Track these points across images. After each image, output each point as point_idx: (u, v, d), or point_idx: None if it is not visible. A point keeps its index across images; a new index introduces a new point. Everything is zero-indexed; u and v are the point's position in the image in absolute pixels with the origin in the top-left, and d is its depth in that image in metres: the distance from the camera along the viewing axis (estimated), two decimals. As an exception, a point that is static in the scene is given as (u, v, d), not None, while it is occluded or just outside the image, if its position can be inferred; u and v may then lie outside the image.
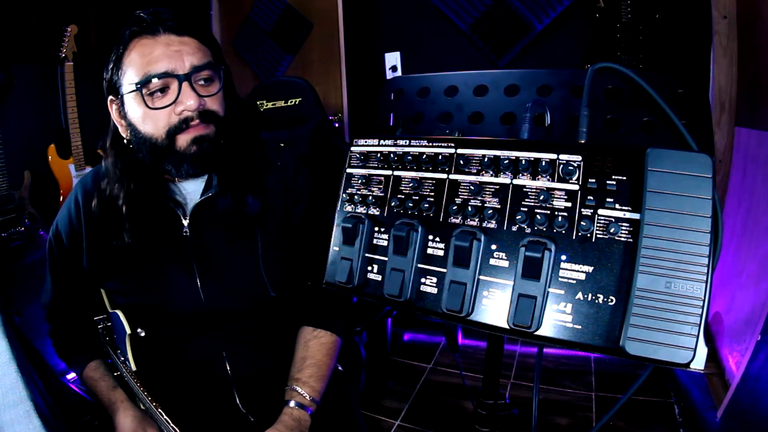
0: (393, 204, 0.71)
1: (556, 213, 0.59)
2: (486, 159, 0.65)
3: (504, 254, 0.61)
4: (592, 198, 0.58)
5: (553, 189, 0.60)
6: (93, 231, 0.97)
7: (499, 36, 2.32)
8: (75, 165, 2.11)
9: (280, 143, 1.09)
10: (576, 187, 0.59)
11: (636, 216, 0.55)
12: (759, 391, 1.19)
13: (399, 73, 2.61)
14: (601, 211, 0.57)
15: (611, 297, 0.54)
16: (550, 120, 0.76)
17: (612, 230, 0.55)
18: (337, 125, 2.69)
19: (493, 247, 0.62)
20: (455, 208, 0.65)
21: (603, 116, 0.75)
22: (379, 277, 0.70)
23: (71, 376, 1.62)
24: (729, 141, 1.84)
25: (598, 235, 0.56)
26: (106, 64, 0.90)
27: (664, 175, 0.53)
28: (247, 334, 0.99)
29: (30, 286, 1.84)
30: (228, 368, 0.97)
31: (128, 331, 0.97)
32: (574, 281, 0.56)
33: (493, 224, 0.63)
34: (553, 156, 0.61)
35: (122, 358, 1.00)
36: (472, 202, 0.65)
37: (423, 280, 0.66)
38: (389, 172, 0.73)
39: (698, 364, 0.50)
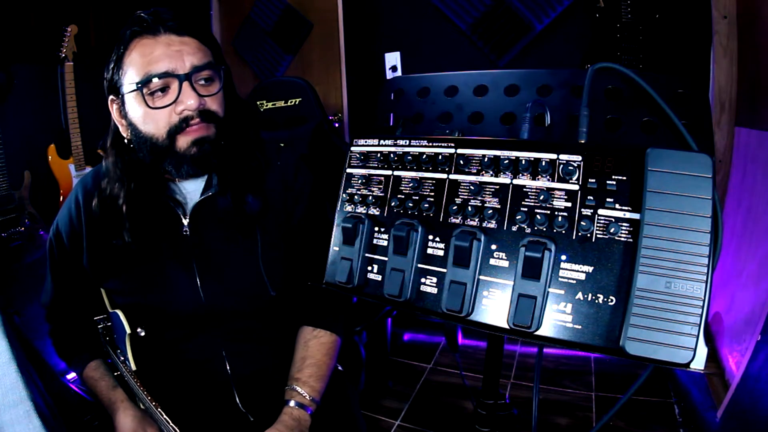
0: (393, 204, 0.71)
1: (556, 213, 0.59)
2: (486, 159, 0.65)
3: (504, 254, 0.61)
4: (592, 198, 0.58)
5: (553, 189, 0.60)
6: (93, 230, 0.97)
7: (499, 36, 2.32)
8: (75, 165, 2.11)
9: (280, 143, 1.09)
10: (576, 187, 0.59)
11: (636, 216, 0.55)
12: (759, 391, 1.19)
13: (399, 73, 2.61)
14: (601, 211, 0.57)
15: (611, 297, 0.54)
16: (550, 120, 0.76)
17: (612, 230, 0.55)
18: (337, 125, 2.69)
19: (493, 247, 0.62)
20: (455, 208, 0.65)
21: (603, 116, 0.75)
22: (379, 277, 0.70)
23: (71, 376, 1.62)
24: (729, 141, 1.84)
25: (598, 235, 0.56)
26: (107, 64, 0.90)
27: (664, 175, 0.53)
28: (247, 333, 0.99)
29: (30, 286, 1.84)
30: (228, 368, 0.97)
31: (128, 330, 0.97)
32: (574, 281, 0.56)
33: (493, 224, 0.63)
34: (553, 156, 0.61)
35: (122, 358, 1.00)
36: (472, 202, 0.65)
37: (423, 280, 0.66)
38: (389, 172, 0.73)
39: (698, 364, 0.50)
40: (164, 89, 0.86)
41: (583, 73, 0.70)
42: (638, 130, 0.73)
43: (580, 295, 0.56)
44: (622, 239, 0.55)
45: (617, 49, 2.00)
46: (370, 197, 0.73)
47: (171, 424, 0.91)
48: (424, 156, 0.70)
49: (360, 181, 0.75)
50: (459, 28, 2.41)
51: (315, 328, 1.03)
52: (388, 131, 0.90)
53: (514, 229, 0.61)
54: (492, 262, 0.62)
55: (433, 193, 0.68)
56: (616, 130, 0.74)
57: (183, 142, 0.88)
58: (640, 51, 1.97)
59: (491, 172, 0.65)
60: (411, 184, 0.70)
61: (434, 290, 0.65)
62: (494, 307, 0.61)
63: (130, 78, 0.86)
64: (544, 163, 0.61)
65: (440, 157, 0.69)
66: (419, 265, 0.67)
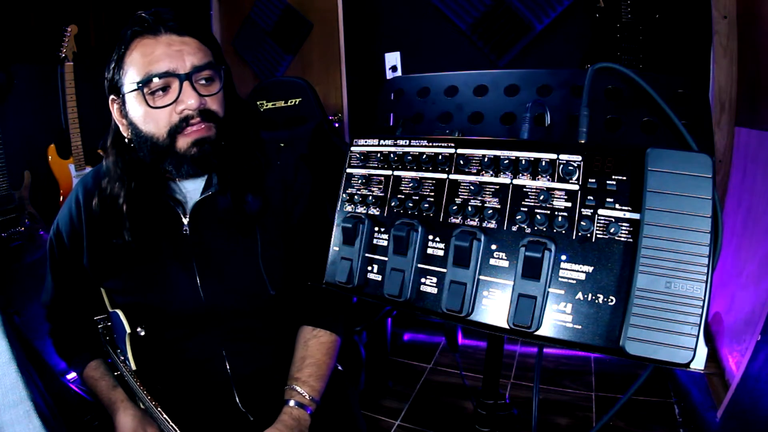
0: (393, 204, 0.71)
1: (556, 213, 0.59)
2: (486, 159, 0.65)
3: (504, 254, 0.61)
4: (592, 198, 0.58)
5: (553, 189, 0.60)
6: (93, 229, 0.97)
7: (499, 36, 2.32)
8: (75, 165, 2.10)
9: (280, 143, 1.09)
10: (576, 187, 0.59)
11: (636, 216, 0.55)
12: (759, 391, 1.19)
13: (399, 73, 2.61)
14: (601, 211, 0.57)
15: (611, 297, 0.54)
16: (550, 120, 0.76)
17: (612, 230, 0.55)
18: (337, 125, 2.69)
19: (493, 247, 0.62)
20: (455, 208, 0.65)
21: (603, 116, 0.75)
22: (379, 277, 0.70)
23: (71, 376, 1.62)
24: (729, 141, 1.84)
25: (598, 235, 0.56)
26: (108, 64, 0.90)
27: (664, 175, 0.53)
28: (246, 333, 0.99)
29: (30, 285, 1.84)
30: (228, 367, 0.97)
31: (128, 330, 0.97)
32: (574, 281, 0.56)
33: (493, 224, 0.63)
34: (553, 156, 0.61)
35: (122, 358, 1.00)
36: (472, 202, 0.65)
37: (423, 280, 0.66)
38: (389, 172, 0.73)
39: (698, 364, 0.50)
40: (165, 89, 0.86)
41: (583, 73, 0.70)
42: (638, 130, 0.73)
43: (580, 295, 0.56)
44: (622, 239, 0.55)
45: (617, 49, 2.00)
46: (370, 197, 0.73)
47: (171, 423, 0.91)
48: (424, 156, 0.70)
49: (360, 181, 0.75)
50: (459, 28, 2.41)
51: (315, 327, 1.03)
52: (388, 131, 0.90)
53: (514, 229, 0.61)
54: (492, 262, 0.62)
55: (433, 193, 0.68)
56: (616, 130, 0.74)
57: (183, 142, 0.88)
58: (640, 51, 1.97)
59: (491, 172, 0.65)
60: (411, 184, 0.71)
61: (434, 290, 0.65)
62: (494, 307, 0.61)
63: (130, 78, 0.87)
64: (544, 163, 0.61)
65: (440, 157, 0.69)
66: (419, 265, 0.67)
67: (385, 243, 0.70)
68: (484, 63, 2.40)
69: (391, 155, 0.74)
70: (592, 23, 2.07)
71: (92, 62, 2.12)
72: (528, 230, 0.60)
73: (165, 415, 0.92)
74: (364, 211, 0.74)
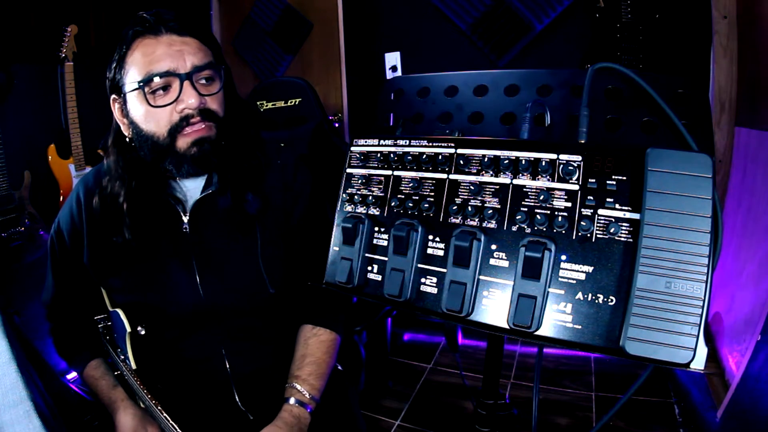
0: (393, 204, 0.71)
1: (556, 213, 0.59)
2: (486, 159, 0.65)
3: (504, 254, 0.61)
4: (592, 198, 0.58)
5: (553, 189, 0.60)
6: (94, 228, 0.98)
7: (499, 36, 2.32)
8: (75, 165, 2.11)
9: (280, 143, 1.09)
10: (576, 187, 0.59)
11: (636, 216, 0.55)
12: (759, 391, 1.19)
13: (399, 73, 2.61)
14: (601, 211, 0.57)
15: (611, 297, 0.54)
16: (550, 120, 0.76)
17: (612, 230, 0.55)
18: (337, 125, 2.69)
19: (493, 247, 0.62)
20: (455, 208, 0.65)
21: (603, 116, 0.75)
22: (379, 277, 0.70)
23: (71, 376, 1.62)
24: (729, 141, 1.84)
25: (598, 235, 0.56)
26: (109, 64, 0.91)
27: (664, 175, 0.53)
28: (246, 331, 1.00)
29: (30, 285, 1.84)
30: (227, 366, 0.97)
31: (128, 329, 0.97)
32: (574, 281, 0.56)
33: (493, 224, 0.63)
34: (553, 156, 0.61)
35: (122, 357, 1.00)
36: (472, 202, 0.65)
37: (423, 280, 0.66)
38: (389, 172, 0.73)
39: (698, 364, 0.50)
40: (165, 88, 0.87)
41: (583, 73, 0.70)
42: (638, 130, 0.73)
43: (580, 295, 0.56)
44: (622, 239, 0.55)
45: (617, 49, 2.00)
46: (370, 197, 0.73)
47: (171, 422, 0.91)
48: (424, 156, 0.70)
49: (360, 181, 0.75)
50: (459, 28, 2.41)
51: (315, 326, 1.03)
52: (388, 131, 0.90)
53: (514, 229, 0.61)
54: (492, 262, 0.62)
55: (433, 193, 0.68)
56: (616, 130, 0.74)
57: (183, 142, 0.89)
58: (640, 51, 1.97)
59: (491, 172, 0.65)
60: (411, 184, 0.71)
61: (434, 290, 0.65)
62: (494, 307, 0.61)
63: (132, 77, 0.87)
64: (544, 163, 0.61)
65: (440, 157, 0.69)
66: (419, 265, 0.67)
67: (385, 243, 0.70)
68: (484, 63, 2.40)
69: (391, 155, 0.74)
70: (592, 23, 2.07)
71: (92, 62, 2.12)
72: (528, 230, 0.60)
73: (165, 414, 0.92)
74: (364, 211, 0.74)
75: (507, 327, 0.59)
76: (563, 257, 0.57)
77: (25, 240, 1.93)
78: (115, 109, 0.93)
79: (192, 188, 0.97)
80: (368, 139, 0.77)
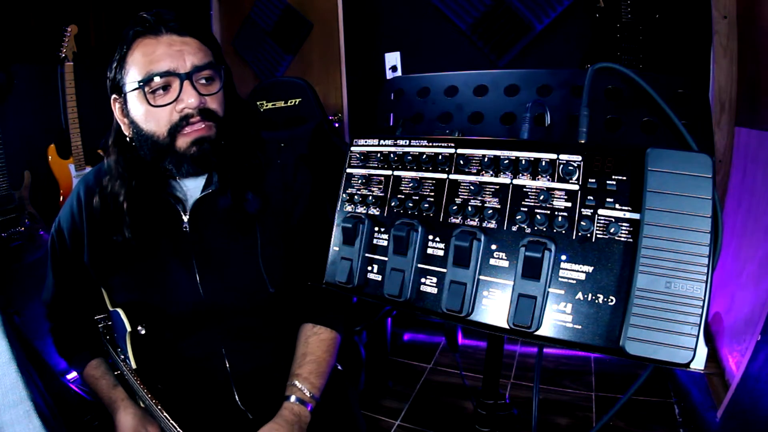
0: (393, 204, 0.71)
1: (556, 213, 0.59)
2: (486, 159, 0.65)
3: (504, 254, 0.61)
4: (592, 198, 0.58)
5: (553, 189, 0.60)
6: (94, 227, 0.98)
7: (499, 36, 2.32)
8: (75, 165, 2.10)
9: (280, 143, 1.09)
10: (576, 187, 0.59)
11: (636, 216, 0.55)
12: (759, 391, 1.19)
13: (399, 73, 2.61)
14: (601, 211, 0.57)
15: (611, 297, 0.54)
16: (550, 120, 0.76)
17: (612, 230, 0.55)
18: (337, 125, 2.69)
19: (493, 247, 0.62)
20: (455, 208, 0.65)
21: (603, 116, 0.75)
22: (379, 277, 0.70)
23: (71, 376, 1.62)
24: (729, 141, 1.84)
25: (598, 235, 0.56)
26: (110, 64, 0.91)
27: (664, 175, 0.53)
28: (246, 331, 1.00)
29: (30, 286, 1.84)
30: (227, 365, 0.97)
31: (128, 329, 0.97)
32: (574, 281, 0.56)
33: (493, 224, 0.63)
34: (553, 156, 0.61)
35: (122, 357, 1.00)
36: (472, 202, 0.65)
37: (423, 280, 0.66)
38: (389, 172, 0.73)
39: (698, 364, 0.50)
40: (165, 88, 0.87)
41: (583, 73, 0.70)
42: (638, 130, 0.73)
43: (580, 295, 0.56)
44: (622, 239, 0.55)
45: (617, 49, 2.00)
46: (370, 197, 0.73)
47: (171, 422, 0.91)
48: (424, 156, 0.70)
49: (360, 181, 0.75)
50: (459, 28, 2.41)
51: (315, 324, 1.03)
52: (388, 131, 0.90)
53: (514, 229, 0.61)
54: (492, 262, 0.62)
55: (433, 193, 0.68)
56: (616, 130, 0.74)
57: (183, 142, 0.89)
58: (640, 51, 1.97)
59: (491, 172, 0.65)
60: (411, 184, 0.71)
61: (434, 290, 0.65)
62: (494, 307, 0.61)
63: (132, 77, 0.88)
64: (544, 163, 0.61)
65: (440, 157, 0.69)
66: (419, 265, 0.67)
67: (385, 243, 0.70)
68: (484, 63, 2.40)
69: (391, 155, 0.74)
70: (592, 23, 2.07)
71: (92, 62, 2.12)
72: (528, 230, 0.60)
73: (165, 414, 0.92)
74: (364, 211, 0.74)
75: (507, 327, 0.59)
76: (563, 257, 0.57)
77: (25, 240, 1.93)
78: (116, 108, 0.94)
79: (192, 188, 0.97)
80: (368, 139, 0.77)
